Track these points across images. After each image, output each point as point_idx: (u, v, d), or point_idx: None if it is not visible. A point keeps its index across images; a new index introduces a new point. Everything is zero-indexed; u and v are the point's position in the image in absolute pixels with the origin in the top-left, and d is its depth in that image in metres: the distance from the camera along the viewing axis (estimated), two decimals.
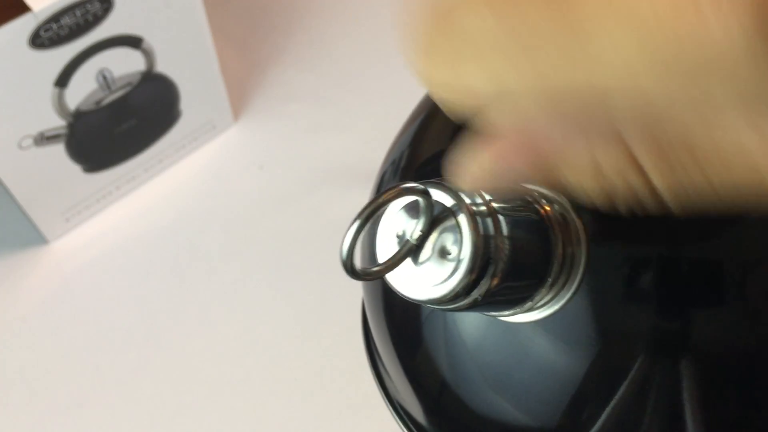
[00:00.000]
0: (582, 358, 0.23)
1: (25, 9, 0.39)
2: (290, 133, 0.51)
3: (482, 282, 0.19)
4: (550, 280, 0.22)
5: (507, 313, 0.23)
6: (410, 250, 0.19)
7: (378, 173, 0.30)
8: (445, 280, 0.19)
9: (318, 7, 0.57)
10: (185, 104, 0.48)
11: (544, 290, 0.22)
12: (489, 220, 0.20)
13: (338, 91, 0.53)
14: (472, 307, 0.20)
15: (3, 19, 0.38)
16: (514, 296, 0.22)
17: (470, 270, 0.19)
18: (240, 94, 0.53)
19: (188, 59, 0.47)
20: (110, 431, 0.43)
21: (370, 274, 0.19)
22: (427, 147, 0.29)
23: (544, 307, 0.22)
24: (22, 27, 0.39)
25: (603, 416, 0.23)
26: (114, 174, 0.48)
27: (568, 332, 0.23)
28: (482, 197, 0.20)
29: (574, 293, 0.22)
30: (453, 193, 0.20)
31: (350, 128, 0.51)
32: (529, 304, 0.22)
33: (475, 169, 0.19)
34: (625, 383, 0.22)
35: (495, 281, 0.20)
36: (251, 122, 0.52)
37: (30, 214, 0.46)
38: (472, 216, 0.19)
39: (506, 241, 0.20)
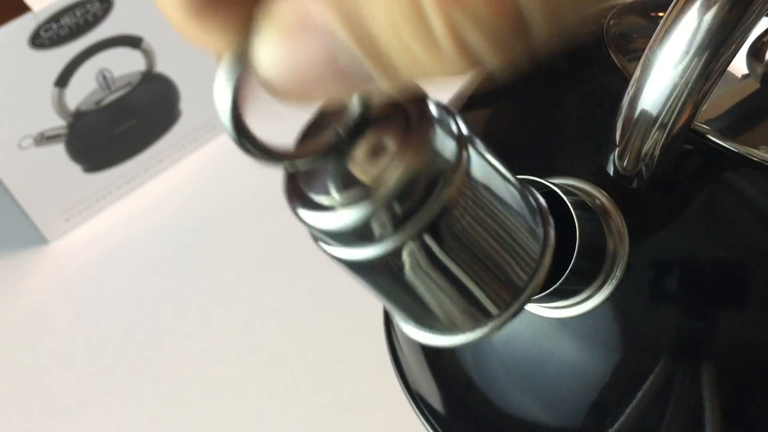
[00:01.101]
0: (618, 357, 0.23)
1: (25, 9, 0.39)
2: (290, 133, 0.51)
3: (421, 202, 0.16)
4: (602, 274, 0.22)
5: (554, 306, 0.23)
6: (338, 141, 0.16)
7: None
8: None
9: None
10: (185, 104, 0.48)
11: (594, 284, 0.22)
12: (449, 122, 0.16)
13: None
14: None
15: (3, 19, 0.38)
16: (570, 288, 0.22)
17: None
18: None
19: (188, 59, 0.47)
20: (110, 431, 0.43)
21: (271, 152, 0.16)
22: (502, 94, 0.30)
23: (584, 303, 0.23)
24: (22, 27, 0.39)
25: (637, 417, 0.23)
26: (114, 174, 0.48)
27: (602, 329, 0.23)
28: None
29: (615, 289, 0.22)
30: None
31: None
32: (574, 299, 0.22)
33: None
34: (660, 384, 0.23)
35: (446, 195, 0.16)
36: (252, 122, 0.52)
37: (30, 214, 0.46)
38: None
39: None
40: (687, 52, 0.23)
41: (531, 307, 0.23)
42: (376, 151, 0.16)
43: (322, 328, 0.44)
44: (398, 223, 0.15)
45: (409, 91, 0.16)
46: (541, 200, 0.18)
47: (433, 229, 0.16)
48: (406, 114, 0.16)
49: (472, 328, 0.18)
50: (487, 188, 0.16)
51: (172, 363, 0.44)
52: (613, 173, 0.25)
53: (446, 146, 0.16)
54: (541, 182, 0.22)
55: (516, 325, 0.24)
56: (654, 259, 0.23)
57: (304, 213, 0.17)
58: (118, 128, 0.47)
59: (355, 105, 0.16)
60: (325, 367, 0.43)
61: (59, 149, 0.45)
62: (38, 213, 0.47)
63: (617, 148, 0.25)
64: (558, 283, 0.21)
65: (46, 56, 0.41)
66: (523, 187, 0.18)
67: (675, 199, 0.25)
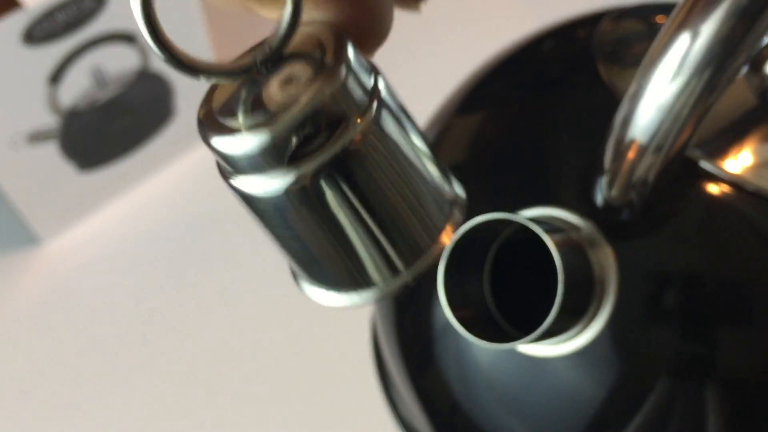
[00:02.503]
0: (610, 389, 0.22)
1: (17, 4, 0.39)
2: None
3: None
4: (591, 310, 0.21)
5: (546, 344, 0.22)
6: (253, 66, 0.17)
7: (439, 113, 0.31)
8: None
9: None
10: (180, 102, 0.48)
11: (583, 320, 0.21)
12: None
13: None
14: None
15: None
16: (559, 328, 0.21)
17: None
18: None
19: None
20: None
21: (189, 63, 0.17)
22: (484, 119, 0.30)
23: (574, 340, 0.22)
24: (14, 23, 0.39)
25: None
26: (108, 173, 0.48)
27: (592, 364, 0.22)
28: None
29: (604, 325, 0.22)
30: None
31: None
32: (564, 336, 0.22)
33: None
34: (656, 414, 0.22)
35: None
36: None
37: (23, 213, 0.46)
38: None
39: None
40: (686, 69, 0.21)
41: (520, 347, 0.23)
42: (288, 81, 0.16)
43: (321, 329, 0.44)
44: (298, 156, 0.16)
45: (325, 28, 0.17)
46: (461, 193, 0.18)
47: (331, 171, 0.16)
48: (323, 52, 0.16)
49: (364, 288, 0.18)
50: (397, 148, 0.17)
51: (167, 365, 0.44)
52: (602, 203, 0.24)
53: (356, 91, 0.16)
54: (521, 222, 0.20)
55: (503, 360, 0.24)
56: (645, 292, 0.23)
57: (211, 137, 0.17)
58: (113, 126, 0.46)
59: (277, 36, 0.17)
60: (325, 367, 0.43)
61: (52, 148, 0.45)
62: (31, 212, 0.46)
63: (605, 176, 0.23)
64: (545, 326, 0.20)
65: (39, 53, 0.40)
66: (444, 170, 0.18)
67: (667, 227, 0.24)
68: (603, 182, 0.23)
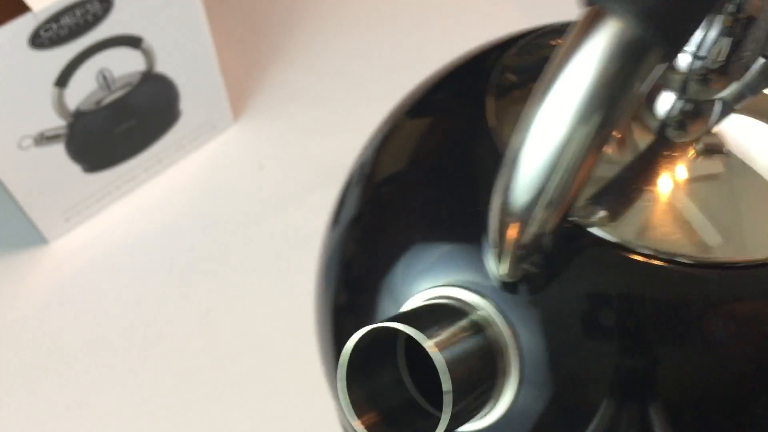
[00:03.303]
0: None
1: (25, 9, 0.39)
2: (290, 133, 0.51)
3: None
4: (497, 387, 0.21)
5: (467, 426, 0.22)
6: None
7: (349, 172, 0.30)
8: None
9: (318, 7, 0.56)
10: (185, 104, 0.48)
11: (493, 397, 0.21)
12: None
13: (338, 91, 0.53)
14: None
15: (3, 19, 0.38)
16: (466, 414, 0.21)
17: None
18: (240, 94, 0.53)
19: (188, 59, 0.47)
20: (110, 431, 0.43)
21: None
22: (386, 164, 0.29)
23: (491, 413, 0.22)
24: (22, 27, 0.39)
25: None
26: (114, 174, 0.48)
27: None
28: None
29: (514, 397, 0.21)
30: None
31: (350, 128, 0.51)
32: (480, 413, 0.21)
33: None
34: None
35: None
36: (251, 122, 0.52)
37: (30, 214, 0.46)
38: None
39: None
40: (569, 117, 0.19)
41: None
42: None
43: None
44: None
45: None
46: None
47: None
48: None
49: None
50: None
51: (172, 363, 0.44)
52: (497, 281, 0.22)
53: None
54: (400, 329, 0.19)
55: None
56: (548, 368, 0.22)
57: None
58: (118, 128, 0.47)
59: None
60: None
61: (59, 149, 0.45)
62: (38, 213, 0.47)
63: (492, 251, 0.21)
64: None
65: (46, 56, 0.41)
66: None
67: (563, 299, 0.22)
68: (491, 258, 0.22)
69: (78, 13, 0.40)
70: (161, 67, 0.46)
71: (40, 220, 0.47)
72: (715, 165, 0.24)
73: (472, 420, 0.22)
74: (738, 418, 0.22)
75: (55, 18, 0.40)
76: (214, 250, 0.48)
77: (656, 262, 0.22)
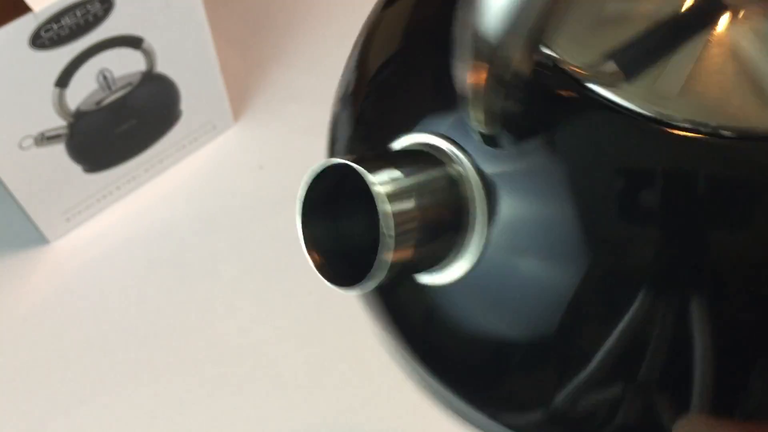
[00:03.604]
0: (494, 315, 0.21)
1: (25, 9, 0.39)
2: (290, 133, 0.52)
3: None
4: (459, 240, 0.20)
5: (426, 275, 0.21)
6: None
7: (330, 120, 0.29)
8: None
9: (318, 8, 0.57)
10: (185, 104, 0.48)
11: (455, 250, 0.20)
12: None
13: None
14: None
15: (3, 20, 0.38)
16: (421, 260, 0.20)
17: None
18: (240, 95, 0.53)
19: (188, 59, 0.47)
20: (111, 431, 0.43)
21: None
22: (372, 64, 0.27)
23: (452, 267, 0.21)
24: (22, 27, 0.39)
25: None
26: (114, 174, 0.48)
27: (477, 291, 0.21)
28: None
29: (480, 251, 0.20)
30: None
31: None
32: (441, 265, 0.21)
33: None
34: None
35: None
36: (251, 122, 0.52)
37: (30, 214, 0.46)
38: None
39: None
40: None
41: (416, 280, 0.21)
42: None
43: (322, 328, 0.44)
44: None
45: None
46: None
47: None
48: None
49: None
50: None
51: (172, 363, 0.44)
52: (476, 133, 0.20)
53: None
54: (348, 164, 0.19)
55: (408, 297, 0.23)
56: (518, 221, 0.20)
57: None
58: (119, 128, 0.47)
59: None
60: (325, 367, 0.43)
61: (60, 149, 0.45)
62: (39, 213, 0.47)
63: (464, 97, 0.20)
64: (374, 271, 0.19)
65: (47, 56, 0.41)
66: None
67: (543, 156, 0.20)
68: (465, 106, 0.20)
69: (79, 13, 0.40)
70: (162, 68, 0.46)
71: (40, 220, 0.47)
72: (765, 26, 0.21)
73: (431, 271, 0.21)
74: None
75: (56, 18, 0.40)
76: (214, 250, 0.48)
77: (680, 132, 0.20)
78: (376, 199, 0.18)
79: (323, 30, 0.56)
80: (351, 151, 0.25)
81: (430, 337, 0.23)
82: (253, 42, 0.55)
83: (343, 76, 0.27)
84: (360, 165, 0.19)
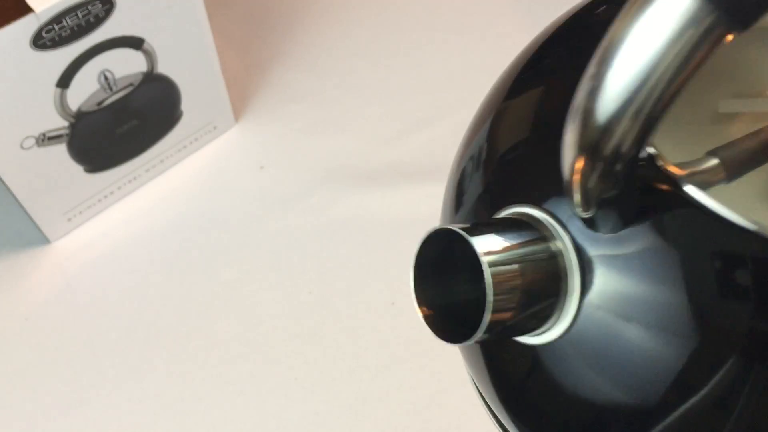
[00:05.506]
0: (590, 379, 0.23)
1: (27, 10, 0.39)
2: (291, 133, 0.52)
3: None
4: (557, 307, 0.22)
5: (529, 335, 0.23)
6: None
7: (455, 169, 0.30)
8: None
9: (318, 8, 0.57)
10: (186, 105, 0.49)
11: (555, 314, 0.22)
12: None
13: (338, 91, 0.53)
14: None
15: (5, 20, 0.39)
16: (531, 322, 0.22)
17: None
18: (241, 95, 0.53)
19: (189, 60, 0.47)
20: (111, 431, 0.43)
21: None
22: (503, 142, 0.28)
23: (551, 330, 0.23)
24: (24, 28, 0.39)
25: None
26: (115, 174, 0.48)
27: (574, 353, 0.23)
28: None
29: (574, 317, 0.22)
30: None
31: (350, 128, 0.52)
32: (543, 328, 0.22)
33: None
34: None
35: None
36: (252, 123, 0.52)
37: (32, 214, 0.46)
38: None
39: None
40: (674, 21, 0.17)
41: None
42: None
43: (322, 328, 0.45)
44: None
45: None
46: None
47: None
48: None
49: None
50: None
51: (172, 363, 0.44)
52: (576, 213, 0.22)
53: None
54: (458, 232, 0.21)
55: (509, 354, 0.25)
56: (610, 290, 0.22)
57: None
58: (120, 129, 0.47)
59: None
60: (325, 367, 0.43)
61: (61, 149, 0.45)
62: (40, 213, 0.47)
63: (565, 178, 0.21)
64: (479, 331, 0.20)
65: (48, 57, 0.41)
66: None
67: (641, 246, 0.22)
68: (565, 186, 0.21)
69: (80, 14, 0.40)
70: (163, 68, 0.46)
71: (41, 220, 0.47)
72: None
73: (529, 332, 0.23)
74: None
75: (58, 19, 0.40)
76: (215, 250, 0.48)
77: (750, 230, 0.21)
78: (483, 266, 0.20)
79: (324, 31, 0.56)
80: (476, 211, 0.27)
81: (523, 393, 0.25)
82: (253, 42, 0.55)
83: (471, 141, 0.29)
84: (468, 233, 0.21)
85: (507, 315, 0.21)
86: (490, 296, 0.20)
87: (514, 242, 0.21)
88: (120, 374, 0.44)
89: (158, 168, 0.50)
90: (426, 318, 0.22)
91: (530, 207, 0.23)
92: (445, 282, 0.22)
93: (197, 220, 0.49)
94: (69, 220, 0.48)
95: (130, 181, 0.49)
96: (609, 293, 0.22)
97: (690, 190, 0.21)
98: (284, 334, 0.44)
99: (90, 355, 0.45)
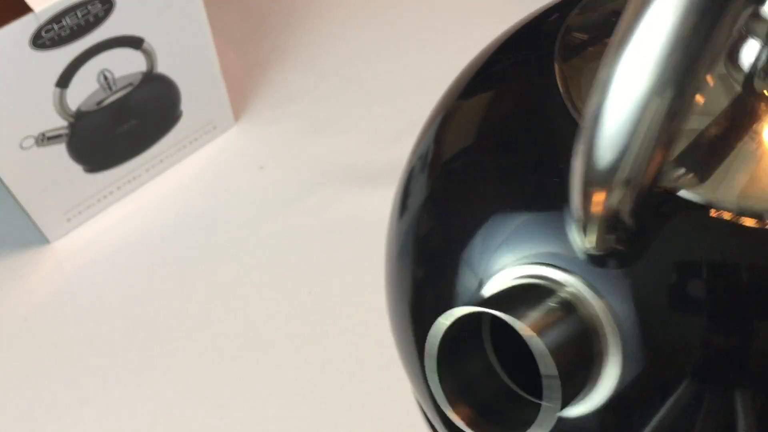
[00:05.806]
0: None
1: (26, 9, 0.39)
2: (290, 133, 0.52)
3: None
4: (593, 376, 0.20)
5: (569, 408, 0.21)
6: None
7: (406, 166, 0.29)
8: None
9: (318, 8, 0.57)
10: (186, 105, 0.49)
11: (592, 378, 0.20)
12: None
13: (338, 91, 0.53)
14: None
15: (5, 20, 0.39)
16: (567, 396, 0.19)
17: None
18: (240, 95, 0.53)
19: (189, 60, 0.47)
20: (111, 431, 0.43)
21: None
22: (450, 145, 0.27)
23: (590, 396, 0.21)
24: (23, 27, 0.39)
25: None
26: (115, 174, 0.48)
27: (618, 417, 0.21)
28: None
29: (618, 376, 0.20)
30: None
31: (350, 128, 0.52)
32: (581, 395, 0.20)
33: None
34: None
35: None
36: (252, 123, 0.52)
37: (31, 214, 0.46)
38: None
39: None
40: (649, 74, 0.17)
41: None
42: None
43: (322, 328, 0.44)
44: None
45: None
46: None
47: None
48: None
49: None
50: None
51: (172, 362, 0.44)
52: (581, 253, 0.21)
53: None
54: (490, 312, 0.18)
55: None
56: (650, 338, 0.20)
57: None
58: (119, 128, 0.47)
59: None
60: (325, 366, 0.43)
61: (60, 149, 0.45)
62: (39, 213, 0.47)
63: (576, 224, 0.20)
64: (538, 423, 0.18)
65: (48, 57, 0.41)
66: None
67: (657, 269, 0.21)
68: (574, 230, 0.20)
69: (79, 13, 0.40)
70: (162, 68, 0.46)
71: (41, 220, 0.47)
72: None
73: (571, 405, 0.21)
74: None
75: (57, 19, 0.40)
76: (214, 250, 0.48)
77: (753, 223, 0.20)
78: (533, 345, 0.18)
79: (323, 31, 0.56)
80: (419, 219, 0.26)
81: None
82: (253, 42, 0.55)
83: (420, 141, 0.28)
84: (499, 310, 0.18)
85: (565, 392, 0.18)
86: (549, 372, 0.18)
87: (537, 307, 0.19)
88: (119, 374, 0.44)
89: (158, 168, 0.50)
90: (470, 422, 0.19)
91: (531, 265, 0.21)
92: (459, 372, 0.19)
93: (197, 220, 0.49)
94: (68, 220, 0.48)
95: (129, 181, 0.49)
96: (642, 335, 0.20)
97: (686, 194, 0.21)
98: (284, 335, 0.44)
99: (89, 355, 0.45)
